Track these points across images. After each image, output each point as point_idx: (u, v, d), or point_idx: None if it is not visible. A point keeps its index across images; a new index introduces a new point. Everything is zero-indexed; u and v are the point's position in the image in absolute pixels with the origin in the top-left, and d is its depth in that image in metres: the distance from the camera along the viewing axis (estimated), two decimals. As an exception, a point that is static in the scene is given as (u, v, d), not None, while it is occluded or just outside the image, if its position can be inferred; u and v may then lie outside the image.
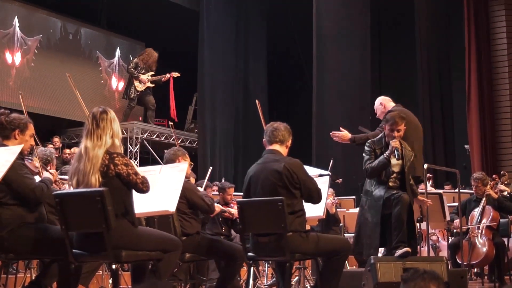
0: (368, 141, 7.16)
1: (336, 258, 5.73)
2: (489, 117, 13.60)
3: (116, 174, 4.79)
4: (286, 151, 5.77)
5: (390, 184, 6.89)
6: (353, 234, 8.11)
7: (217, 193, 9.41)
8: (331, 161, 10.20)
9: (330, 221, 9.88)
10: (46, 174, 5.55)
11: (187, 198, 6.37)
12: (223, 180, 12.25)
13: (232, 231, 9.15)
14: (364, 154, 7.05)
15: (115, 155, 4.82)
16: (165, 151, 6.88)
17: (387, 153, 6.84)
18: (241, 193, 5.94)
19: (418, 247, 9.68)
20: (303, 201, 5.64)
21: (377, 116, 8.02)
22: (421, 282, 2.81)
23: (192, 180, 7.51)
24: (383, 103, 7.90)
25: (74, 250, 4.86)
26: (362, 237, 7.00)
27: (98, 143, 4.83)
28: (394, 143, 6.81)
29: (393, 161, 6.91)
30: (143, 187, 4.92)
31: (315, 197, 5.71)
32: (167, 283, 2.05)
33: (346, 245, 5.90)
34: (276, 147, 5.72)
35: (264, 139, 5.82)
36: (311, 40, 14.09)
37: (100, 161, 4.77)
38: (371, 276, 6.19)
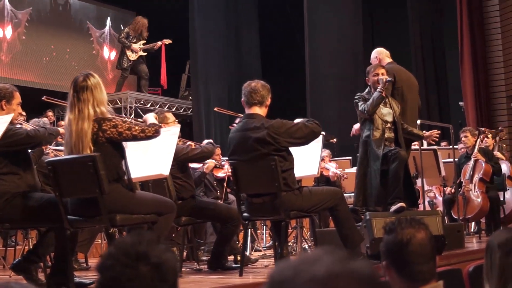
0: (357, 94, 7.21)
1: (338, 210, 5.76)
2: (482, 73, 13.52)
3: (107, 139, 4.77)
4: (266, 110, 5.72)
5: (386, 135, 6.91)
6: (350, 194, 8.14)
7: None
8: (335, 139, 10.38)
9: (330, 185, 9.85)
10: None
11: (177, 160, 6.25)
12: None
13: (230, 196, 9.15)
14: (356, 102, 7.04)
15: (103, 122, 4.78)
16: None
17: (380, 87, 6.90)
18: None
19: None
20: (293, 159, 5.65)
21: None
22: (410, 229, 2.72)
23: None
24: (379, 57, 7.83)
25: (69, 217, 4.88)
26: (368, 188, 6.97)
27: (81, 116, 4.77)
28: (383, 77, 6.98)
29: (384, 110, 6.97)
30: (146, 134, 4.90)
31: (310, 139, 5.71)
32: (151, 232, 2.05)
33: (339, 192, 5.97)
34: (255, 109, 5.66)
35: (242, 99, 5.75)
36: (302, 3, 14.01)
37: (89, 132, 4.74)
38: (367, 232, 6.22)
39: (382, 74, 7.01)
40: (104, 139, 4.76)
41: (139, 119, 5.87)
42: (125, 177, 4.91)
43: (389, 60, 7.83)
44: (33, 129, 5.21)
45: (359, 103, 6.99)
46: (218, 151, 9.21)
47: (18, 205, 5.05)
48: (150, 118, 5.29)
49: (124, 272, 1.79)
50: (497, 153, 9.87)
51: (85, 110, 4.78)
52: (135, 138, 4.88)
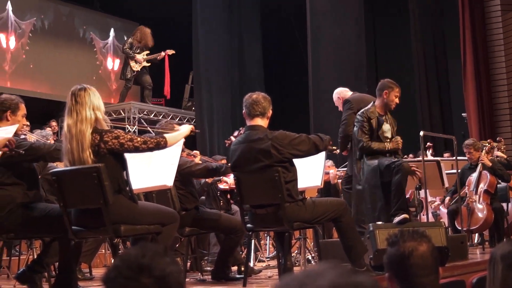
0: (361, 111, 7.14)
1: (341, 221, 5.74)
2: (485, 84, 13.53)
3: (108, 151, 4.75)
4: (267, 122, 5.71)
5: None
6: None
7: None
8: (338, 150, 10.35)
9: (331, 192, 9.89)
10: None
11: (180, 173, 6.21)
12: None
13: (233, 207, 9.14)
14: (357, 124, 7.00)
15: (104, 133, 4.77)
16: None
17: (391, 147, 6.92)
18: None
19: (419, 215, 9.78)
20: (296, 170, 5.65)
21: (339, 109, 8.20)
22: (412, 242, 2.74)
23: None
24: (340, 96, 8.19)
25: (73, 227, 4.89)
26: (361, 204, 6.99)
27: (79, 118, 4.76)
28: (399, 144, 6.98)
29: (385, 127, 6.96)
30: (148, 146, 4.89)
31: (313, 153, 5.73)
32: (157, 245, 2.06)
33: (342, 204, 5.91)
34: (257, 121, 5.65)
35: (243, 111, 5.74)
36: (305, 13, 14.05)
37: (88, 138, 4.72)
38: (371, 244, 6.22)
39: (399, 99, 7.06)
40: (105, 150, 4.75)
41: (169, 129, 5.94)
42: (127, 188, 4.92)
43: (350, 92, 8.21)
44: (38, 141, 5.23)
45: (359, 130, 6.94)
46: (223, 162, 9.21)
47: (23, 215, 5.07)
48: (178, 132, 5.33)
49: (126, 285, 1.81)
50: (497, 153, 9.83)
51: (82, 112, 4.77)
52: (137, 149, 4.86)
